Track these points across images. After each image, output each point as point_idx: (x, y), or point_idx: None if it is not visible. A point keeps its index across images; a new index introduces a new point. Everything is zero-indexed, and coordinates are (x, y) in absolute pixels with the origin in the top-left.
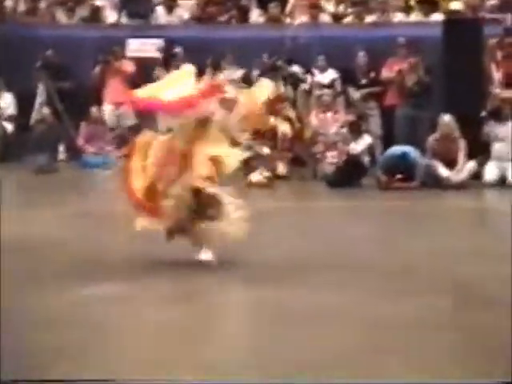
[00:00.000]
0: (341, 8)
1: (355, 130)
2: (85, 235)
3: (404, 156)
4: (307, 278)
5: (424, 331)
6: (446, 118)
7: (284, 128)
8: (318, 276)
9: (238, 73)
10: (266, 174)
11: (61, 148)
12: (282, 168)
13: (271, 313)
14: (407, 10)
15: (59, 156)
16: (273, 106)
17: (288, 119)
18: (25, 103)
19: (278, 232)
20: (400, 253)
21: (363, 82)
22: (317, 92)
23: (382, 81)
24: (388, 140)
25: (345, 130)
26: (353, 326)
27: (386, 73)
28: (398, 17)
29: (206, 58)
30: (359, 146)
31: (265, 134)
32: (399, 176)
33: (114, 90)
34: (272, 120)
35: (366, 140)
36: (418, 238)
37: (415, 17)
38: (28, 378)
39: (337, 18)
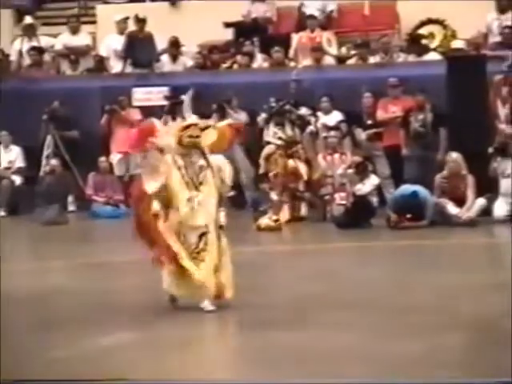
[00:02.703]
0: (343, 50)
1: (362, 170)
2: (97, 285)
3: (413, 195)
4: (317, 318)
5: (431, 370)
6: (454, 156)
7: (305, 169)
8: (329, 316)
9: (243, 116)
10: (275, 217)
11: (70, 199)
12: (303, 209)
13: (281, 354)
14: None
15: (69, 207)
16: (289, 148)
17: (304, 161)
18: (33, 156)
19: (287, 274)
20: (410, 291)
21: (369, 122)
22: (323, 134)
23: (380, 122)
24: (396, 180)
25: (351, 171)
26: (361, 365)
27: (382, 114)
28: (401, 57)
29: (211, 103)
30: (366, 186)
31: (276, 176)
32: (409, 215)
33: (121, 139)
34: (291, 162)
35: (372, 180)
36: (428, 276)
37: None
38: (28, 378)
39: (340, 59)
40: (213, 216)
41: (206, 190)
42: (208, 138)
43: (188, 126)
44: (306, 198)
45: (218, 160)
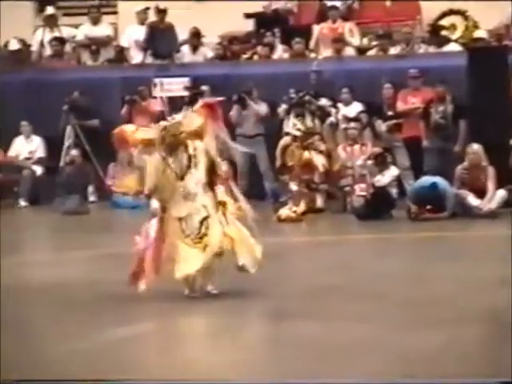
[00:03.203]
0: (365, 41)
1: (381, 161)
2: (116, 275)
3: (433, 186)
4: (336, 309)
5: (449, 363)
6: (475, 147)
7: (321, 160)
8: (348, 308)
9: (263, 107)
10: (295, 208)
11: (91, 189)
12: (319, 201)
13: (298, 344)
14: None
15: (90, 197)
16: (305, 140)
17: (321, 152)
18: (53, 146)
19: (307, 265)
20: (429, 283)
21: (389, 113)
22: (343, 125)
23: (400, 113)
24: (416, 171)
25: (371, 162)
26: (379, 357)
27: (401, 105)
28: (422, 48)
29: (231, 94)
30: (385, 177)
31: (293, 168)
32: (429, 207)
33: None
34: (306, 154)
35: (392, 172)
36: (448, 268)
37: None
38: (28, 378)
39: (361, 51)
40: (210, 202)
41: (196, 178)
42: (194, 123)
43: (166, 126)
44: (321, 189)
45: (205, 144)
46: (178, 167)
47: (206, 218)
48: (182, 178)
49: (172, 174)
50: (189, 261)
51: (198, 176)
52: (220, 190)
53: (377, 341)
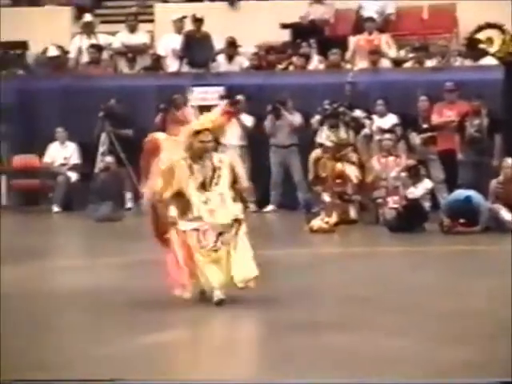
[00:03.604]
0: (401, 53)
1: (415, 174)
2: (147, 283)
3: (468, 200)
4: (367, 321)
5: (480, 376)
6: (510, 162)
7: (354, 172)
8: (380, 320)
9: (298, 118)
10: (327, 219)
11: (128, 196)
12: (352, 212)
13: (331, 356)
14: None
15: (127, 204)
16: (337, 151)
17: (353, 163)
18: (88, 152)
19: (339, 277)
20: (461, 297)
21: (424, 126)
22: (377, 137)
23: (435, 126)
24: (450, 184)
25: (404, 175)
26: (410, 369)
27: (437, 118)
28: (458, 61)
29: (266, 104)
30: (418, 190)
31: (326, 179)
32: (462, 220)
33: None
34: (339, 165)
35: (426, 184)
36: (480, 281)
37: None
38: (28, 378)
39: (397, 63)
40: (231, 214)
41: (220, 191)
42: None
43: (199, 132)
44: (354, 200)
45: (230, 158)
46: (202, 176)
47: (222, 233)
48: (204, 188)
49: (195, 182)
50: (210, 275)
51: (219, 189)
52: (239, 207)
53: (408, 353)
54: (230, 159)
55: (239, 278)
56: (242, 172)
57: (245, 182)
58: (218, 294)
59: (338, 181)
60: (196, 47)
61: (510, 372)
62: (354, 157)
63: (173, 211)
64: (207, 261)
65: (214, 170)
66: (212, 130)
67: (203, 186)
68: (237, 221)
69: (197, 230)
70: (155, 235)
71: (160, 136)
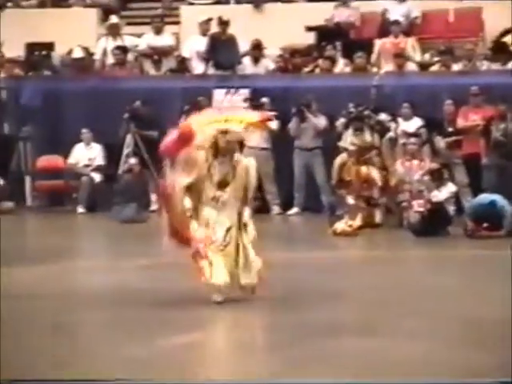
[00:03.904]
0: (427, 56)
1: (438, 177)
2: (171, 284)
3: (492, 204)
4: (389, 325)
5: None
6: None
7: (379, 175)
8: (402, 324)
9: (322, 121)
10: (350, 222)
11: (154, 197)
12: (378, 216)
13: (352, 360)
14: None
15: (152, 206)
16: (362, 155)
17: (378, 167)
18: (113, 154)
19: (361, 280)
20: (484, 302)
21: (449, 130)
22: (402, 140)
23: (460, 130)
24: (475, 188)
25: (428, 178)
26: (432, 374)
27: (462, 122)
28: (485, 65)
29: (291, 107)
30: (442, 193)
31: (351, 183)
32: (486, 224)
33: None
34: (364, 169)
35: (449, 188)
36: (504, 287)
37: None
38: (28, 378)
39: (423, 66)
40: (234, 215)
41: (232, 191)
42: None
43: (226, 132)
44: (381, 204)
45: (247, 161)
46: (219, 174)
47: (229, 229)
48: (219, 186)
49: (211, 178)
50: (218, 271)
51: (232, 189)
52: (247, 211)
53: (430, 357)
54: (247, 164)
55: (243, 282)
56: (253, 182)
57: (250, 193)
58: (216, 297)
59: (364, 185)
60: (221, 49)
61: (510, 372)
62: (377, 160)
63: (187, 202)
64: (217, 256)
65: (232, 169)
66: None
67: (218, 184)
68: (244, 225)
69: (207, 224)
70: (170, 234)
71: (193, 121)
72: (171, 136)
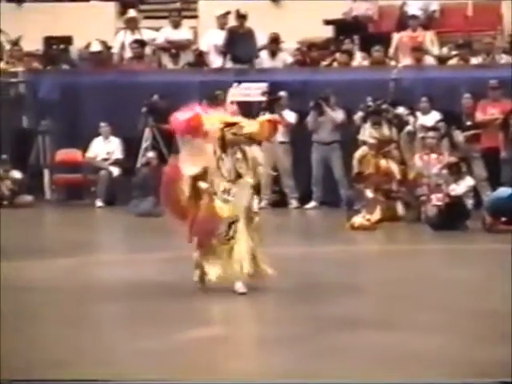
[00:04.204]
0: (445, 50)
1: (456, 171)
2: (187, 278)
3: (510, 198)
4: (407, 319)
5: None
6: None
7: (397, 168)
8: (419, 318)
9: (340, 114)
10: (368, 216)
11: None
12: (400, 209)
13: (369, 353)
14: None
15: None
16: (381, 148)
17: (396, 160)
18: (131, 147)
19: (378, 274)
20: (501, 296)
21: (468, 123)
22: (421, 134)
23: (479, 123)
24: (493, 182)
25: (446, 172)
26: (448, 368)
27: (480, 115)
28: (504, 58)
29: (309, 101)
30: (460, 187)
31: (370, 176)
32: (504, 218)
33: None
34: (383, 162)
35: (468, 182)
36: None
37: None
38: (28, 378)
39: (441, 60)
40: (244, 207)
41: (241, 183)
42: (250, 128)
43: (233, 124)
44: (402, 197)
45: (254, 151)
46: (227, 168)
47: (234, 222)
48: (229, 179)
49: (221, 171)
50: (215, 266)
51: (243, 182)
52: (256, 202)
53: (446, 351)
54: (255, 154)
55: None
56: (261, 173)
57: (260, 184)
58: (239, 287)
59: (383, 178)
60: (239, 43)
61: (510, 372)
62: (396, 154)
63: (203, 184)
64: (221, 247)
65: (239, 162)
66: (251, 135)
67: (225, 176)
68: (250, 214)
69: None
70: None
71: (201, 112)
72: (183, 115)
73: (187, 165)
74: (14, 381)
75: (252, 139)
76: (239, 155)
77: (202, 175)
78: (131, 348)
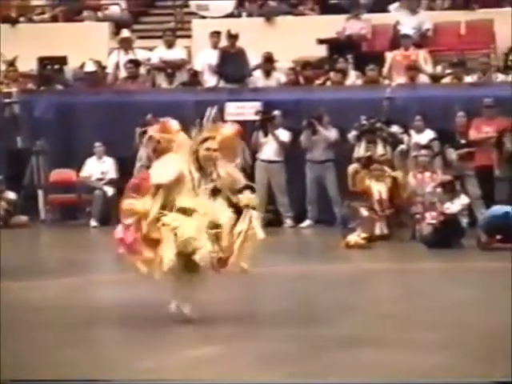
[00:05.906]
0: (439, 69)
1: (450, 189)
2: None
3: (506, 216)
4: (404, 338)
5: None
6: None
7: (379, 188)
8: (416, 336)
9: (333, 133)
10: (363, 235)
11: None
12: (383, 228)
13: (368, 372)
14: (507, 70)
15: None
16: (366, 166)
17: (384, 179)
18: (125, 167)
19: (375, 293)
20: (498, 314)
21: (462, 142)
22: (414, 152)
23: (473, 142)
24: (487, 201)
25: (440, 190)
26: None
27: (474, 134)
28: (499, 77)
29: (302, 120)
30: (455, 205)
31: (363, 194)
32: (500, 236)
33: None
34: (367, 181)
35: (462, 200)
36: None
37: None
38: (28, 378)
39: (435, 78)
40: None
41: (220, 198)
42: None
43: (206, 139)
44: (381, 216)
45: (234, 174)
46: (198, 182)
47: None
48: (197, 193)
49: (190, 189)
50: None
51: (221, 196)
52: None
53: (444, 370)
54: (227, 168)
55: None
56: (238, 179)
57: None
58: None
59: (366, 196)
60: (231, 63)
61: (510, 372)
62: (387, 172)
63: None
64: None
65: (212, 181)
66: (221, 144)
67: (196, 194)
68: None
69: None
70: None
71: (175, 126)
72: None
73: (159, 174)
74: (14, 381)
75: (224, 151)
76: (214, 174)
77: (173, 186)
78: (131, 368)
